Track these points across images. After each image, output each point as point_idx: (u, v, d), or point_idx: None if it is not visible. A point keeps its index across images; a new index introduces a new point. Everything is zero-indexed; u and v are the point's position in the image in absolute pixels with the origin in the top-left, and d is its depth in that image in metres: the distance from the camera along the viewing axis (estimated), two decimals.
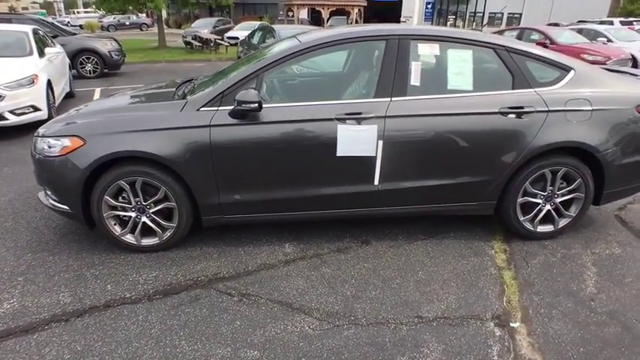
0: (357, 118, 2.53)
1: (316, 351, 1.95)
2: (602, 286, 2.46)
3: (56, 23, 11.47)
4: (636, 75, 3.10)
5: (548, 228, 2.94)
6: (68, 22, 42.56)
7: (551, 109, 2.63)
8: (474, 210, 2.86)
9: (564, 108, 2.64)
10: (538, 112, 2.63)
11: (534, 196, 2.83)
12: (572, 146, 2.68)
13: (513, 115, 2.62)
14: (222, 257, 2.72)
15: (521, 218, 2.87)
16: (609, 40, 11.82)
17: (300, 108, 2.58)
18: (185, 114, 2.54)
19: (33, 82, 5.50)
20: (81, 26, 35.57)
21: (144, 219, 2.69)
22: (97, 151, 2.49)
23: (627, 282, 2.49)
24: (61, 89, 6.84)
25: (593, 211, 3.41)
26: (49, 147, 2.58)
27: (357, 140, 2.55)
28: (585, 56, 9.79)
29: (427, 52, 2.64)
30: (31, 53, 6.12)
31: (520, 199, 2.81)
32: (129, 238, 2.72)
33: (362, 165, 2.61)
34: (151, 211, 2.67)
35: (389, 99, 2.58)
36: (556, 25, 18.47)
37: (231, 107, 2.48)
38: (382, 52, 2.62)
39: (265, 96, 2.68)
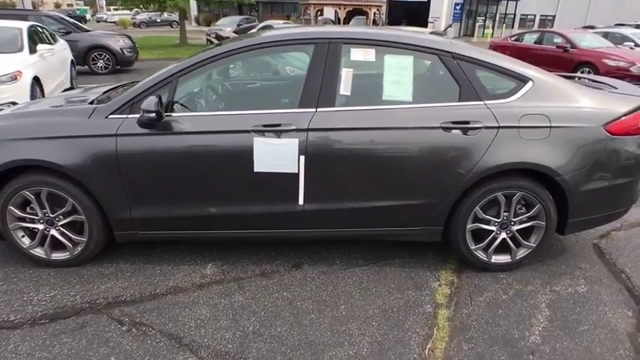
0: (276, 130, 2.26)
1: None
2: (550, 334, 2.09)
3: (70, 19, 11.69)
4: (615, 87, 2.70)
5: (504, 259, 2.58)
6: (105, 18, 44.31)
7: (501, 124, 2.29)
8: (417, 236, 2.54)
9: (518, 124, 2.29)
10: (486, 128, 2.29)
11: (487, 222, 2.48)
12: (527, 168, 2.33)
13: (458, 131, 2.30)
14: (134, 277, 2.50)
15: (473, 247, 2.53)
16: (637, 45, 11.07)
17: (214, 118, 2.34)
18: (92, 121, 2.34)
19: (15, 78, 5.47)
20: (115, 22, 36.81)
21: (53, 232, 2.50)
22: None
23: (581, 331, 2.12)
24: (55, 85, 6.84)
25: (570, 239, 3.02)
26: None
27: (275, 155, 2.28)
28: (607, 61, 9.20)
29: (361, 57, 2.35)
30: (21, 49, 6.15)
31: (470, 226, 2.47)
32: (38, 252, 2.54)
33: (284, 182, 2.33)
34: (60, 223, 2.48)
35: (314, 110, 2.30)
36: (591, 27, 17.55)
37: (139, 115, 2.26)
38: (310, 57, 2.34)
39: (187, 103, 2.45)
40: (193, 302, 2.28)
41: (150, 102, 2.14)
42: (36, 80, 5.93)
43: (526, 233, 2.54)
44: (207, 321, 2.14)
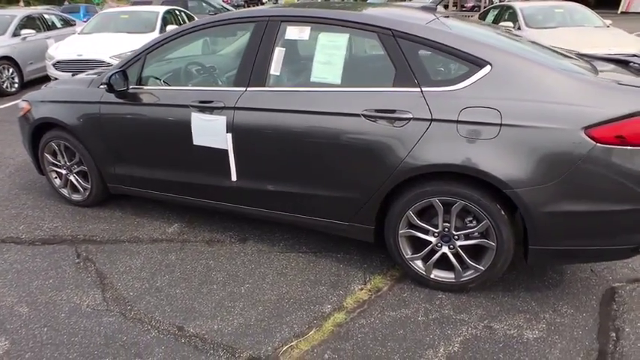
0: (207, 107, 2.36)
1: (63, 326, 2.02)
2: None
3: (212, 3, 13.65)
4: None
5: (447, 276, 2.19)
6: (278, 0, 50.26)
7: (435, 117, 1.90)
8: (346, 231, 2.34)
9: (456, 118, 1.87)
10: (416, 119, 1.94)
11: (424, 231, 2.14)
12: (462, 173, 1.90)
13: (384, 122, 2.00)
14: (116, 223, 2.98)
15: (408, 255, 2.22)
16: None
17: (165, 92, 2.56)
18: (89, 89, 2.84)
19: None
20: (276, 1, 41.67)
21: (71, 177, 3.16)
22: (34, 115, 3.03)
23: None
24: None
25: (584, 271, 2.34)
26: (20, 108, 3.26)
27: (208, 130, 2.39)
28: None
29: (296, 36, 2.22)
30: (153, 30, 7.59)
31: (402, 231, 2.17)
32: (64, 192, 3.25)
33: (218, 157, 2.44)
34: (74, 171, 3.12)
35: (244, 88, 2.30)
36: None
37: None
38: (249, 35, 2.33)
39: (153, 77, 2.72)
40: (137, 252, 2.63)
41: (107, 76, 2.49)
42: None
43: (479, 253, 2.10)
44: (133, 270, 2.45)
